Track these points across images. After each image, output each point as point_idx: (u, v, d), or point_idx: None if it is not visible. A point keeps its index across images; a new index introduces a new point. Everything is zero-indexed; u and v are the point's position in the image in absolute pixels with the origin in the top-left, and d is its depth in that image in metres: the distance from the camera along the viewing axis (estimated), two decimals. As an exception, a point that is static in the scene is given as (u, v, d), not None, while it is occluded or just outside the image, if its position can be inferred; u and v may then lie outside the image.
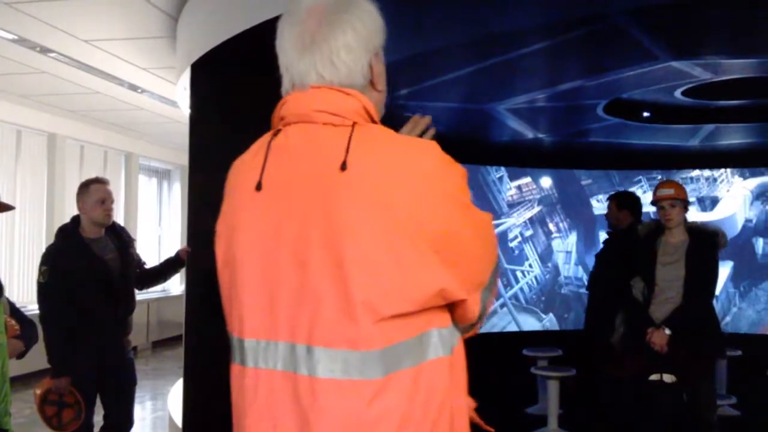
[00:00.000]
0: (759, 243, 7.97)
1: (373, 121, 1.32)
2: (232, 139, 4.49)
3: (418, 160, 1.24)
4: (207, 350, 4.36)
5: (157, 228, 11.29)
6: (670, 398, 4.13)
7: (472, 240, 1.30)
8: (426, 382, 1.23)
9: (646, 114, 6.33)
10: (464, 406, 1.32)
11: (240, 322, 1.32)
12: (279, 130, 1.35)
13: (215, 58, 4.30)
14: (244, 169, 1.37)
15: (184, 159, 4.88)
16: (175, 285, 10.56)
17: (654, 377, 4.14)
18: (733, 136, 7.19)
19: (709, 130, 6.81)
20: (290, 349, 1.25)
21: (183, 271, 4.67)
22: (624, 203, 5.19)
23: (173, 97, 6.62)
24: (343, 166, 1.22)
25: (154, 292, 9.18)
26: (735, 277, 7.82)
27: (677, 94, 5.73)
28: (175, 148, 10.43)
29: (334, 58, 1.31)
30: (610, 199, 5.37)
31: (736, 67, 5.05)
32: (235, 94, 4.52)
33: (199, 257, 4.33)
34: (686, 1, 3.71)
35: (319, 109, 1.30)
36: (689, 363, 4.08)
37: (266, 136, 1.37)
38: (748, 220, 7.97)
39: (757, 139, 7.29)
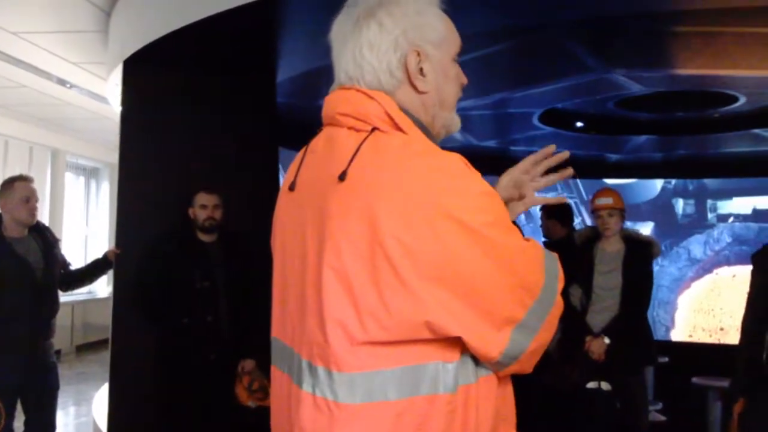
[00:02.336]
0: (679, 203, 8.31)
1: (399, 128, 1.21)
2: (163, 137, 4.46)
3: (420, 176, 1.13)
4: (134, 355, 4.26)
5: (85, 228, 10.98)
6: (604, 405, 4.19)
7: (489, 269, 1.13)
8: (414, 420, 1.12)
9: (579, 124, 6.46)
10: None
11: (272, 318, 1.34)
12: (321, 131, 1.32)
13: (148, 55, 4.20)
14: (290, 168, 1.36)
15: (113, 157, 4.75)
16: (102, 287, 10.28)
17: (591, 385, 4.19)
18: (662, 148, 7.41)
19: (639, 141, 7.00)
20: (291, 354, 1.24)
21: (111, 273, 4.55)
22: (551, 213, 5.23)
23: (104, 93, 6.46)
24: (342, 176, 1.16)
25: (79, 294, 8.91)
26: (657, 237, 8.13)
27: (610, 105, 5.87)
28: (104, 145, 10.16)
29: (357, 55, 1.25)
30: (540, 209, 5.44)
31: (667, 80, 5.19)
32: (168, 92, 4.44)
33: (127, 259, 4.22)
34: (619, 15, 3.79)
35: (342, 112, 1.24)
36: (625, 371, 4.15)
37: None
38: (667, 182, 8.32)
39: (683, 151, 7.54)
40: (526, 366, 1.23)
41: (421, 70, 1.26)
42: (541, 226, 5.37)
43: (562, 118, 6.33)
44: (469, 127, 6.58)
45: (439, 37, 1.28)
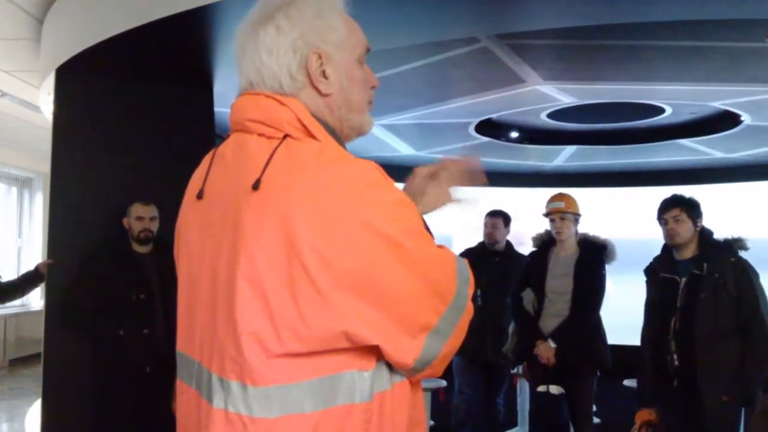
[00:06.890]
0: None
1: (311, 135, 1.18)
2: (96, 146, 4.39)
3: (336, 185, 1.11)
4: (67, 369, 4.18)
5: (17, 240, 10.69)
6: (553, 409, 4.22)
7: (405, 277, 1.13)
8: (331, 430, 1.11)
9: (514, 134, 6.60)
10: None
11: (177, 332, 1.30)
12: (229, 136, 1.28)
13: (81, 63, 4.14)
14: (196, 175, 1.32)
15: (47, 167, 4.66)
16: (36, 299, 10.00)
17: (541, 388, 4.21)
18: (593, 157, 7.59)
19: (571, 151, 7.17)
20: (200, 369, 1.20)
21: (43, 285, 4.45)
22: (509, 220, 5.13)
23: (36, 101, 6.32)
24: (255, 185, 1.12)
25: (12, 306, 8.68)
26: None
27: (543, 116, 6.00)
28: (37, 155, 9.91)
29: (256, 60, 1.23)
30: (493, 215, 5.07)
31: (597, 93, 5.34)
32: (101, 101, 4.39)
33: (61, 270, 4.14)
34: (553, 30, 3.88)
35: (252, 118, 1.21)
36: (574, 376, 4.17)
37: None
38: None
39: (615, 161, 7.74)
40: (438, 370, 1.22)
41: (323, 72, 1.24)
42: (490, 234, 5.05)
43: (498, 128, 6.46)
44: (408, 135, 6.65)
45: (340, 38, 1.26)
